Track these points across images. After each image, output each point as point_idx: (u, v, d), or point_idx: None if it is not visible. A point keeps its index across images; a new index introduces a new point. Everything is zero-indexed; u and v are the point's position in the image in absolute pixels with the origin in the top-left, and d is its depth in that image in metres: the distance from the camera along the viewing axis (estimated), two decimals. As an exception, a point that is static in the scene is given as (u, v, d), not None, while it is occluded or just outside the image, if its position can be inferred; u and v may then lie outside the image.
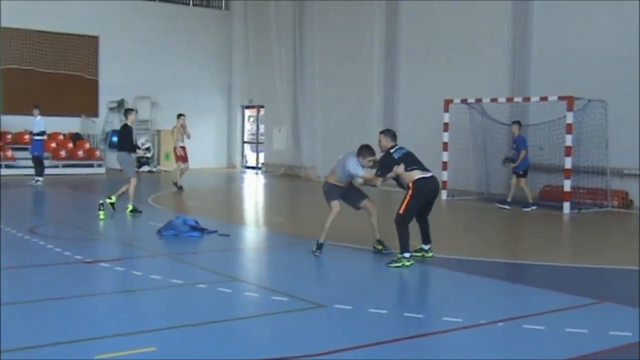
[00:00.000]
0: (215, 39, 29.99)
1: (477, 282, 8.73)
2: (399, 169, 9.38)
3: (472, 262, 9.84)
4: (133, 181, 14.30)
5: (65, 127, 25.91)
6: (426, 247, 9.80)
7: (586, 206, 16.36)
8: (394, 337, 6.11)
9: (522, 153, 16.27)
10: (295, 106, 26.65)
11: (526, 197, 16.37)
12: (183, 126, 19.84)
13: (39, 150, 20.79)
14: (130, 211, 14.04)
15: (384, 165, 9.57)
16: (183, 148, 19.86)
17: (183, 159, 19.79)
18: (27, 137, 23.01)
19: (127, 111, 15.43)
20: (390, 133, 9.98)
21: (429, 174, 9.50)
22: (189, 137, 19.90)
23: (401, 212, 9.31)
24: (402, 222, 9.29)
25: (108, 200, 14.02)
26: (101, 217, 13.21)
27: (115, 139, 26.83)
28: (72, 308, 6.94)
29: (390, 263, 9.22)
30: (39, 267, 8.76)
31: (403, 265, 9.09)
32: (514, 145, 16.64)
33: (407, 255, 9.14)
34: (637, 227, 14.24)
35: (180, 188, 19.32)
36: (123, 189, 14.30)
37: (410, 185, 9.38)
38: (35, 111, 20.75)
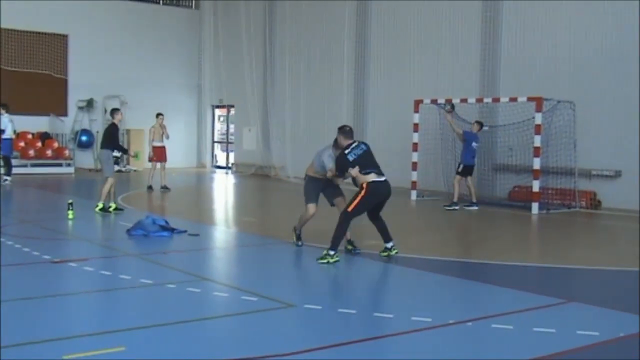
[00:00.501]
0: (185, 38, 29.87)
1: (446, 282, 8.77)
2: (353, 171, 9.34)
3: (442, 262, 9.90)
4: (110, 180, 14.18)
5: (34, 126, 25.62)
6: (389, 245, 9.79)
7: (555, 207, 16.53)
8: (363, 337, 6.12)
9: (461, 131, 16.62)
10: (266, 106, 26.62)
11: (470, 195, 16.56)
12: (162, 126, 19.72)
13: (6, 150, 20.55)
14: (100, 209, 13.97)
15: (339, 166, 9.53)
16: (161, 148, 19.69)
17: (158, 159, 19.61)
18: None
19: (114, 110, 15.40)
20: (344, 130, 9.76)
21: (383, 178, 9.45)
22: (167, 137, 19.78)
23: (349, 209, 9.34)
24: (345, 220, 9.30)
25: (98, 208, 14.03)
26: (70, 216, 13.08)
27: (84, 138, 26.73)
28: (40, 308, 6.86)
29: (318, 259, 9.24)
30: (7, 266, 8.64)
31: (328, 262, 9.11)
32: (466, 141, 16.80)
33: (331, 252, 9.15)
34: (605, 227, 14.43)
35: (150, 188, 19.22)
36: (106, 189, 14.18)
37: (364, 186, 9.36)
38: (2, 110, 20.50)
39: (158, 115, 19.98)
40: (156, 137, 19.63)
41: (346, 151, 9.51)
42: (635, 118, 16.14)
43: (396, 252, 9.76)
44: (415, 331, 6.29)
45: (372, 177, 9.37)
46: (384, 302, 7.95)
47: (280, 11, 26.20)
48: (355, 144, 9.63)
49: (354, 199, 9.39)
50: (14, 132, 21.48)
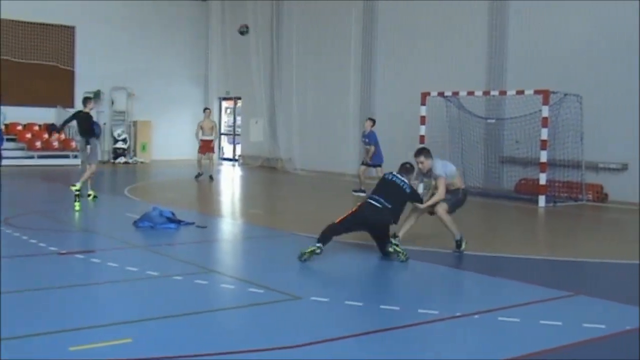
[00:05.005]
0: (192, 31, 29.84)
1: (453, 275, 8.78)
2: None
3: (448, 255, 9.88)
4: (93, 167, 14.53)
5: (41, 118, 25.65)
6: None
7: (561, 199, 16.50)
8: (370, 330, 6.13)
9: (372, 148, 17.17)
10: (273, 98, 26.60)
11: (360, 183, 17.21)
12: (210, 120, 21.21)
13: None
14: (76, 190, 13.62)
15: None
16: (209, 141, 20.82)
17: (206, 151, 20.77)
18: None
19: (86, 99, 15.63)
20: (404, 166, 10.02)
21: (374, 203, 9.30)
22: (217, 135, 21.69)
23: (337, 221, 9.29)
24: (330, 230, 9.17)
25: (74, 189, 13.90)
26: (77, 208, 13.11)
27: (94, 129, 26.70)
28: (47, 300, 6.88)
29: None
30: (14, 258, 8.67)
31: (305, 252, 8.88)
32: (366, 140, 17.45)
33: (317, 244, 8.95)
34: (612, 220, 14.40)
35: (199, 175, 20.41)
36: (86, 175, 14.43)
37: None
38: None
39: (205, 109, 21.56)
40: (205, 130, 20.72)
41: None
42: (643, 111, 16.10)
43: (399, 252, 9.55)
44: (421, 323, 6.29)
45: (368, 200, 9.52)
46: (391, 294, 7.95)
47: (287, 3, 26.15)
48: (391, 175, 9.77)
49: (347, 213, 9.48)
50: (3, 122, 21.34)
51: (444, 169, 10.00)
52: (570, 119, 16.86)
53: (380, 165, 17.15)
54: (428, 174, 10.04)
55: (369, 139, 17.38)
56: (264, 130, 26.90)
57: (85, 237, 11.12)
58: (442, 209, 9.81)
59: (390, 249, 9.23)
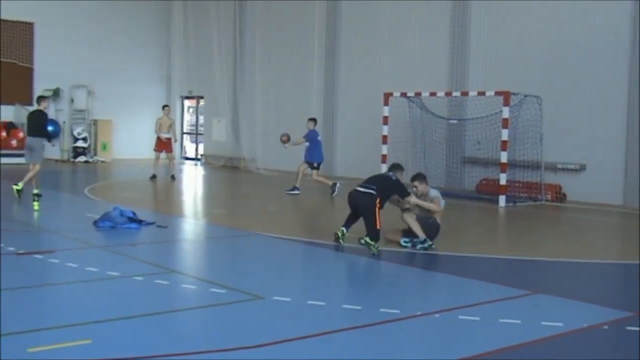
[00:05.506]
0: (155, 29, 29.61)
1: (414, 275, 8.84)
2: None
3: (410, 255, 9.95)
4: (38, 167, 14.28)
5: (-1, 116, 25.24)
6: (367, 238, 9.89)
7: (521, 199, 16.71)
8: (332, 329, 6.13)
9: (299, 140, 17.56)
10: (235, 98, 26.51)
11: (326, 184, 17.43)
12: (169, 118, 20.77)
13: None
14: (18, 190, 13.92)
15: None
16: (167, 139, 20.54)
17: (164, 149, 20.51)
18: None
19: (41, 98, 15.39)
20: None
21: (360, 188, 10.12)
22: (176, 140, 21.15)
23: None
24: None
25: (16, 188, 14.03)
26: (36, 207, 12.93)
27: (50, 128, 26.31)
28: (5, 300, 6.76)
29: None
30: (-30, 259, 8.52)
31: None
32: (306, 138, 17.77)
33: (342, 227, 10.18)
34: (570, 220, 14.62)
35: (154, 177, 20.02)
36: (31, 175, 14.22)
37: None
38: None
39: (164, 107, 21.07)
40: (163, 128, 20.42)
41: None
42: (600, 113, 16.38)
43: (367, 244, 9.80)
44: (382, 323, 6.32)
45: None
46: (354, 294, 7.97)
47: (250, 3, 26.06)
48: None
49: None
50: None
51: (437, 193, 10.75)
52: (530, 120, 17.09)
53: (316, 164, 17.44)
54: (421, 197, 10.52)
55: (307, 136, 17.60)
56: (227, 129, 26.81)
57: (44, 237, 10.97)
58: (411, 214, 10.35)
59: (362, 242, 9.66)
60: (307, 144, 17.56)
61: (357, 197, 10.09)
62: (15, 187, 13.93)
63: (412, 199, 10.32)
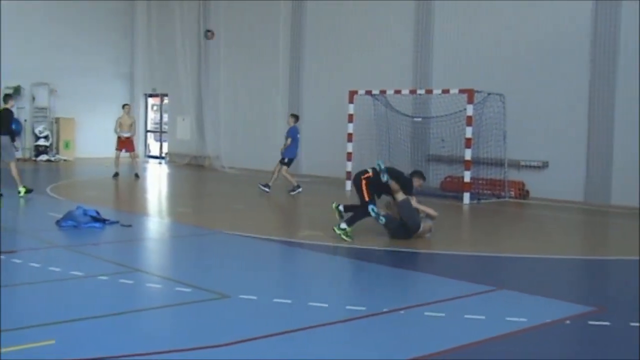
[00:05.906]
0: (118, 26, 29.32)
1: (380, 272, 8.87)
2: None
3: (376, 252, 10.01)
4: (14, 164, 14.44)
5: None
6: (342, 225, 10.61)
7: (485, 196, 16.88)
8: (298, 327, 6.13)
9: (288, 140, 17.30)
10: (200, 96, 26.37)
11: (290, 182, 17.35)
12: (130, 116, 20.59)
13: None
14: (26, 192, 14.41)
15: None
16: (128, 138, 20.37)
17: (126, 148, 20.40)
18: None
19: (7, 96, 15.56)
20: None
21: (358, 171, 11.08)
22: (134, 133, 20.76)
23: None
24: None
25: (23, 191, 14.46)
26: (-3, 206, 12.77)
27: (14, 126, 25.98)
28: (-35, 302, 6.66)
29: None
30: None
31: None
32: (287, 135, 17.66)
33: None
34: (533, 216, 14.79)
35: (116, 175, 19.93)
36: (16, 172, 14.56)
37: None
38: None
39: (124, 105, 20.69)
40: (124, 127, 20.15)
41: None
42: (562, 111, 16.59)
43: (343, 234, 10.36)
44: (348, 320, 6.34)
45: None
46: (320, 292, 7.97)
47: (214, 3, 25.93)
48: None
49: None
50: None
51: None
52: (493, 117, 17.25)
53: (287, 160, 17.28)
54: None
55: (289, 133, 17.47)
56: (191, 127, 26.66)
57: (6, 236, 10.79)
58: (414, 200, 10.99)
59: (337, 231, 10.40)
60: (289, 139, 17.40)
61: (354, 177, 11.01)
62: (19, 193, 14.35)
63: (414, 202, 10.81)
